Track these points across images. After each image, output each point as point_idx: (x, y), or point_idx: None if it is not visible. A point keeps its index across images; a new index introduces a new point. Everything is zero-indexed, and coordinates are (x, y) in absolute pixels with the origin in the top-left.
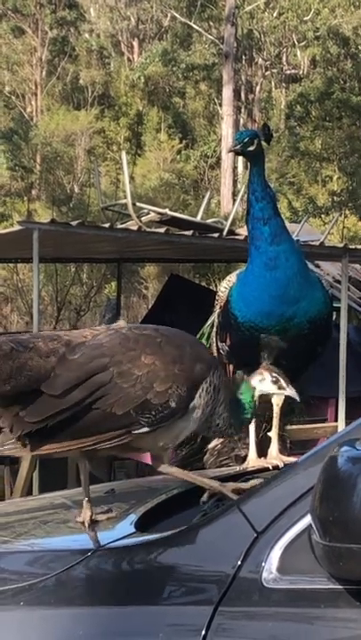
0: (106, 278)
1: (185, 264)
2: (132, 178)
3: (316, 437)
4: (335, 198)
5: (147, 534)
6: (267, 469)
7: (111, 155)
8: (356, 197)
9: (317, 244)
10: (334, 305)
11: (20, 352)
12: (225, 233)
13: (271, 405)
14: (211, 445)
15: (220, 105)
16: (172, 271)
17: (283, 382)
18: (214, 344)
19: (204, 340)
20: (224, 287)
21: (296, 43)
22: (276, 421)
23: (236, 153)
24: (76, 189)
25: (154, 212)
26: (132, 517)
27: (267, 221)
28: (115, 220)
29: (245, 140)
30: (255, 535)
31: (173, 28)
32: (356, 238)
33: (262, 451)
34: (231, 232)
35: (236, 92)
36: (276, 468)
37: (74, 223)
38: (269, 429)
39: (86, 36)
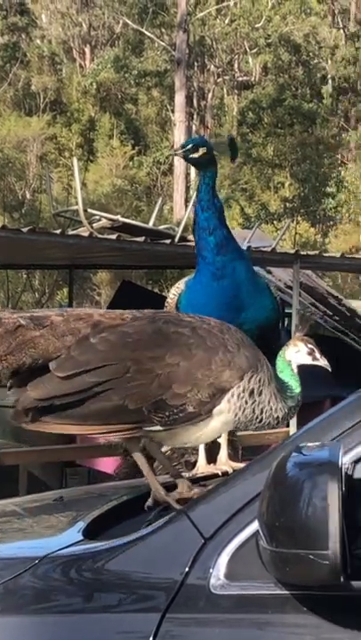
0: (58, 285)
1: (138, 270)
2: (84, 184)
3: (267, 443)
4: (287, 204)
5: (95, 542)
6: (216, 475)
7: (63, 161)
8: (308, 204)
9: (269, 250)
10: (286, 311)
11: (27, 329)
12: (177, 239)
13: None
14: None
15: (173, 111)
16: (124, 277)
17: (317, 353)
18: None
19: None
20: (173, 294)
21: (248, 50)
22: None
23: (184, 158)
24: (28, 196)
25: (106, 218)
26: (81, 525)
27: (212, 232)
28: (67, 227)
29: (189, 146)
30: (203, 541)
31: (125, 34)
32: (308, 244)
33: (212, 457)
34: (183, 238)
35: (189, 99)
36: (225, 474)
37: (25, 229)
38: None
39: (38, 42)
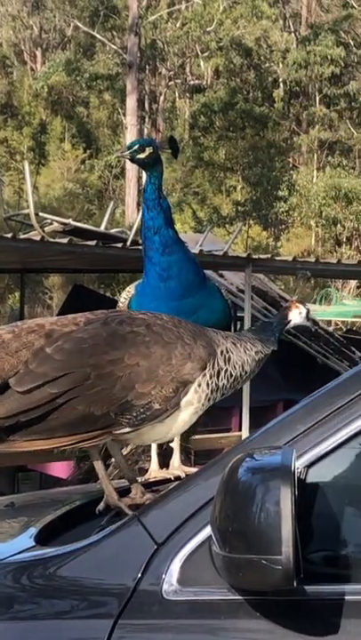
0: (9, 288)
1: (90, 274)
2: (35, 188)
3: (220, 447)
4: (239, 208)
5: (47, 548)
6: (169, 480)
7: (14, 164)
8: (260, 207)
9: (221, 253)
10: (238, 314)
11: None
12: (129, 243)
13: None
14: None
15: (124, 115)
16: (76, 281)
17: (312, 314)
18: None
19: None
20: (124, 298)
21: (199, 53)
22: None
23: (131, 160)
24: None
25: (57, 222)
26: (32, 531)
27: (157, 231)
28: (18, 230)
29: (135, 147)
30: (155, 547)
31: (77, 37)
32: (260, 248)
33: (165, 462)
34: (135, 242)
35: (140, 102)
36: (177, 478)
37: None
38: (171, 440)
39: None
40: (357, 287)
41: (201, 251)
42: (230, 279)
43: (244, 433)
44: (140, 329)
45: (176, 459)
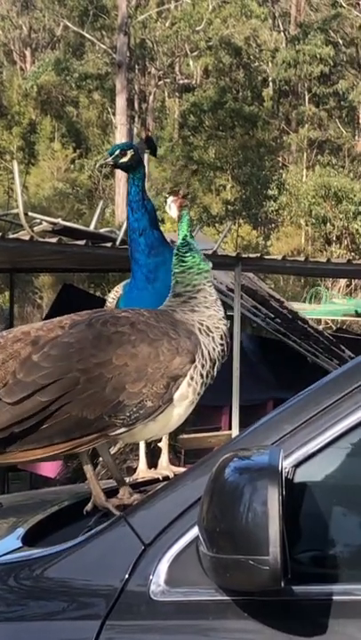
0: None
1: (80, 274)
2: (25, 187)
3: (209, 446)
4: (229, 207)
5: (34, 549)
6: (157, 480)
7: (4, 164)
8: (250, 206)
9: (211, 252)
10: (228, 313)
11: None
12: (118, 242)
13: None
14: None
15: (114, 114)
16: (65, 281)
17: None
18: None
19: None
20: (112, 298)
21: (189, 52)
22: None
23: (114, 165)
24: None
25: (46, 221)
26: (20, 531)
27: (142, 232)
28: (7, 230)
29: (117, 152)
30: (143, 547)
31: (66, 37)
32: (250, 247)
33: (153, 461)
34: (125, 242)
35: (130, 102)
36: (166, 478)
37: None
38: (160, 440)
39: None
40: (347, 286)
41: None
42: (220, 278)
43: (234, 432)
44: (125, 328)
45: (164, 458)
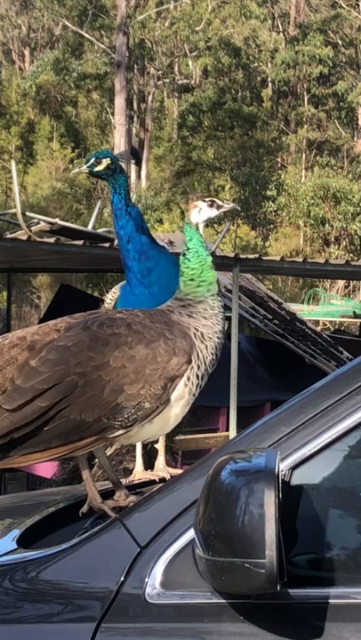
0: None
1: (78, 274)
2: (23, 187)
3: (207, 447)
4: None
5: (29, 551)
6: (153, 482)
7: (2, 163)
8: (249, 207)
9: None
10: (226, 314)
11: None
12: (116, 243)
13: None
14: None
15: (113, 114)
16: (63, 281)
17: (218, 201)
18: None
19: None
20: (110, 299)
21: (188, 53)
22: None
23: (90, 174)
24: None
25: (44, 221)
26: (15, 533)
27: (129, 239)
28: (5, 230)
29: (91, 160)
30: (139, 550)
31: (65, 36)
32: (249, 248)
33: (150, 462)
34: None
35: (129, 102)
36: (162, 480)
37: None
38: (156, 441)
39: None
40: (345, 287)
41: None
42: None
43: (232, 433)
44: (122, 330)
45: (161, 460)
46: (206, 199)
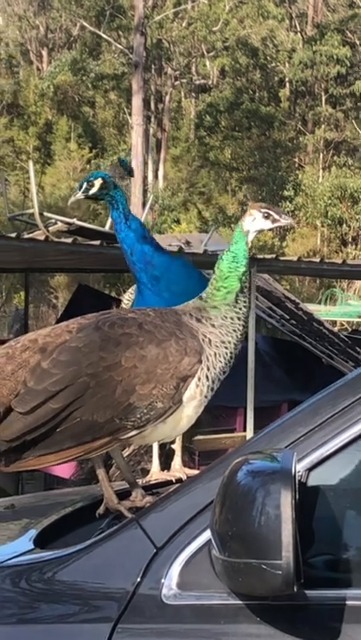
0: (15, 288)
1: (96, 274)
2: (41, 187)
3: (224, 448)
4: (245, 208)
5: (46, 551)
6: (170, 482)
7: (20, 164)
8: None
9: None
10: None
11: None
12: None
13: None
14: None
15: (130, 114)
16: (80, 281)
17: (275, 214)
18: None
19: None
20: (127, 299)
21: (205, 53)
22: None
23: (87, 198)
24: None
25: (61, 221)
26: (32, 533)
27: (132, 251)
28: (23, 230)
29: (84, 185)
30: (155, 551)
31: (83, 37)
32: (266, 248)
33: (167, 463)
34: None
35: (146, 102)
36: (179, 480)
37: None
38: (174, 441)
39: None
40: None
41: (205, 251)
42: None
43: (249, 433)
44: (133, 330)
45: (177, 460)
46: (263, 209)
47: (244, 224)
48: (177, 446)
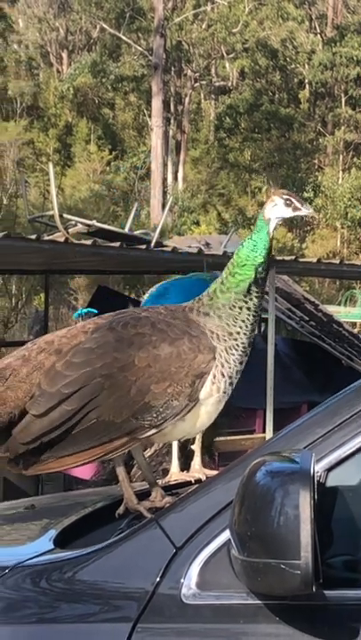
0: (35, 290)
1: (115, 275)
2: (61, 189)
3: (243, 449)
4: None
5: (66, 551)
6: (190, 483)
7: (40, 166)
8: None
9: None
10: (262, 316)
11: None
12: (153, 244)
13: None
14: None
15: (150, 116)
16: (99, 283)
17: (296, 202)
18: None
19: None
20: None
21: (225, 54)
22: (199, 434)
23: None
24: (5, 201)
25: (81, 223)
26: (52, 533)
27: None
28: (43, 232)
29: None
30: (174, 551)
31: (102, 39)
32: (285, 249)
33: (187, 463)
34: (159, 244)
35: (166, 104)
36: (198, 481)
37: (0, 235)
38: (193, 442)
39: (15, 46)
40: None
41: (225, 252)
42: None
43: (268, 435)
44: (146, 329)
45: (197, 461)
46: (285, 196)
47: (266, 211)
48: (196, 447)
